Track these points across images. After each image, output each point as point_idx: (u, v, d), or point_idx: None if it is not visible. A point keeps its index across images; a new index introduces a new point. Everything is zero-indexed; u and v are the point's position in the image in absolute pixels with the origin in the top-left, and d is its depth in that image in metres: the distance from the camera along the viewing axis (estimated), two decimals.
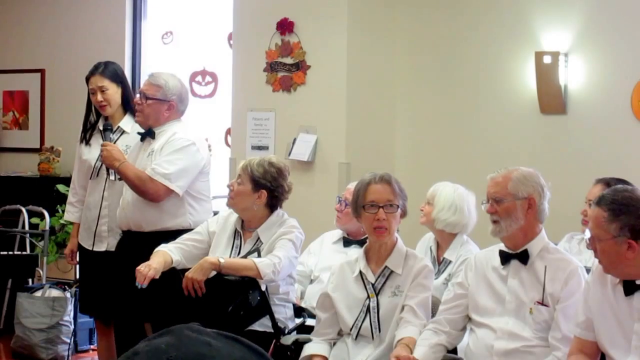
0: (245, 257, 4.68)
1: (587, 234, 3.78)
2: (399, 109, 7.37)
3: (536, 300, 4.02)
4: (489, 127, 6.99)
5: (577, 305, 3.90)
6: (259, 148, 7.32)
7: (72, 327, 7.04)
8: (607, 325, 3.71)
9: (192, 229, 5.13)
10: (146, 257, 4.77)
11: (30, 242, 7.99)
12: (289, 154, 7.11)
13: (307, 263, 5.50)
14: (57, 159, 8.65)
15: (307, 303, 5.22)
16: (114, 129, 5.57)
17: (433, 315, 4.32)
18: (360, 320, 4.36)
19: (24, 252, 7.89)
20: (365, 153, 7.12)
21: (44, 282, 7.50)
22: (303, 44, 7.21)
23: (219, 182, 7.49)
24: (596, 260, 3.79)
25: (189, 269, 4.65)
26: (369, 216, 4.36)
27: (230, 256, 4.78)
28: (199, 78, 8.40)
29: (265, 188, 4.81)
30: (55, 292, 7.13)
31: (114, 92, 5.60)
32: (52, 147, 8.71)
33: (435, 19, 7.22)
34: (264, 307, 4.64)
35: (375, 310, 4.33)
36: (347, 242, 5.45)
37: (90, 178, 5.60)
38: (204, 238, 4.95)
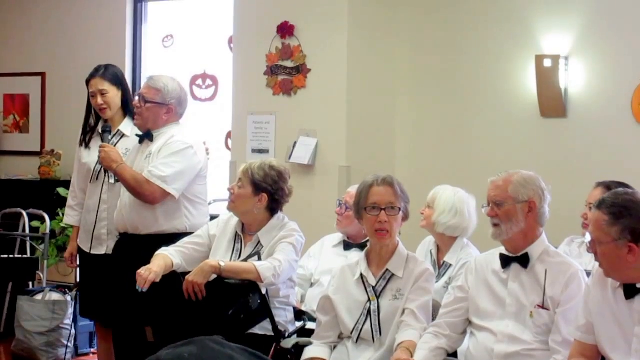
0: (245, 260, 4.68)
1: (588, 238, 3.78)
2: (399, 112, 7.37)
3: (536, 304, 4.02)
4: (489, 130, 6.99)
5: (577, 308, 3.90)
6: (260, 151, 7.32)
7: (72, 330, 7.04)
8: (608, 328, 3.71)
9: (188, 232, 5.14)
10: (143, 260, 4.77)
11: (31, 246, 7.99)
12: (289, 158, 7.12)
13: (307, 266, 5.51)
14: (58, 162, 8.65)
15: (308, 306, 5.23)
16: (114, 132, 5.58)
17: (433, 318, 4.32)
18: (361, 323, 4.36)
19: (25, 256, 7.90)
20: (365, 156, 7.12)
21: (44, 285, 7.51)
22: (303, 47, 7.21)
23: (219, 186, 7.50)
24: (597, 264, 3.78)
25: (189, 272, 4.65)
26: (371, 218, 4.36)
27: (230, 259, 4.78)
28: (199, 81, 8.41)
29: (266, 191, 4.81)
30: (55, 296, 7.13)
31: (114, 95, 5.61)
32: (52, 151, 8.72)
33: (436, 23, 7.22)
34: (265, 311, 4.64)
35: (376, 314, 4.33)
36: (347, 245, 5.45)
37: (90, 181, 5.60)
38: (205, 241, 4.95)
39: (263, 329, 4.69)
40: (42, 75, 9.01)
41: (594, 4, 6.59)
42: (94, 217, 5.54)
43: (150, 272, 4.64)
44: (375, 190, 4.38)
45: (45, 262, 7.71)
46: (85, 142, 5.71)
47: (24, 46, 9.12)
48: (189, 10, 8.52)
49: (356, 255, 4.81)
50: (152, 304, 4.84)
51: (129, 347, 5.40)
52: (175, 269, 4.80)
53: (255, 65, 7.38)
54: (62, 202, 7.10)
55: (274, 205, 4.86)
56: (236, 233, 4.90)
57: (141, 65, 8.63)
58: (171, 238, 5.08)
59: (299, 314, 4.97)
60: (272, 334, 4.66)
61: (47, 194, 8.15)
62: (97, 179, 5.55)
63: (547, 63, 6.58)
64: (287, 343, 4.62)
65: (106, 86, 5.59)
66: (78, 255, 5.79)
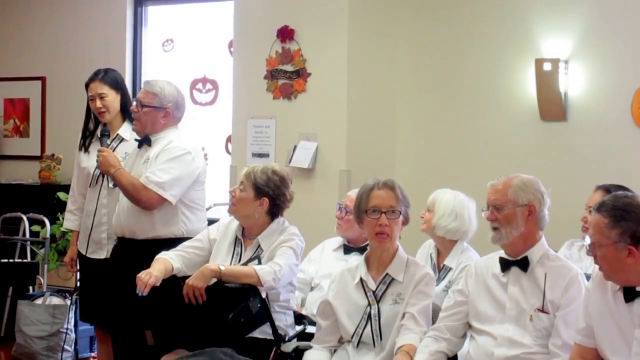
0: (245, 264, 4.68)
1: (588, 240, 3.78)
2: (400, 116, 7.38)
3: (536, 307, 4.02)
4: (489, 134, 7.00)
5: (577, 312, 3.90)
6: (260, 155, 7.33)
7: (72, 334, 7.04)
8: (608, 331, 3.71)
9: (185, 238, 5.14)
10: (140, 265, 4.77)
11: (31, 250, 8.00)
12: (290, 161, 7.12)
13: (307, 270, 5.51)
14: (58, 166, 8.66)
15: (308, 310, 5.22)
16: (113, 136, 5.58)
17: (433, 322, 4.32)
18: (362, 327, 4.35)
19: (25, 260, 7.90)
20: (365, 160, 7.13)
21: (44, 289, 7.51)
22: (303, 51, 7.22)
23: (220, 190, 7.51)
24: (596, 267, 3.79)
25: (189, 276, 4.65)
26: (371, 221, 4.36)
27: (230, 263, 4.78)
28: (199, 85, 8.42)
29: (268, 196, 4.81)
30: (55, 300, 7.13)
31: (113, 99, 5.61)
32: (52, 155, 8.72)
33: (436, 26, 7.23)
34: (265, 315, 4.63)
35: (377, 318, 4.33)
36: (347, 249, 5.45)
37: (90, 186, 5.60)
38: (205, 245, 4.95)
39: (263, 332, 4.69)
40: (42, 79, 9.02)
41: (594, 8, 6.59)
42: (95, 221, 5.54)
43: (151, 276, 4.63)
44: (376, 194, 4.38)
45: (46, 266, 7.72)
46: (84, 146, 5.72)
47: (24, 51, 9.13)
48: (189, 15, 8.53)
49: (356, 259, 4.81)
50: (152, 308, 4.84)
51: (129, 351, 5.40)
52: (176, 273, 4.80)
53: (255, 69, 7.39)
54: (62, 206, 7.10)
55: (275, 209, 4.86)
56: (236, 237, 4.90)
57: (141, 69, 8.64)
58: (168, 243, 5.08)
59: (299, 318, 4.97)
60: (272, 338, 4.66)
61: (48, 198, 8.15)
62: (96, 183, 5.55)
63: (547, 67, 6.59)
64: (287, 347, 4.62)
65: (105, 90, 5.59)
66: (78, 260, 5.79)
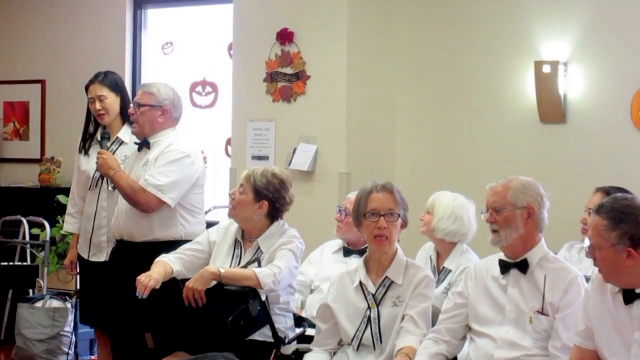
0: (245, 266, 4.68)
1: (587, 243, 3.78)
2: (399, 118, 7.38)
3: (536, 310, 4.02)
4: (488, 136, 7.00)
5: (576, 314, 3.90)
6: (259, 158, 7.33)
7: (72, 337, 7.04)
8: (607, 334, 3.71)
9: (184, 241, 5.14)
10: (138, 268, 4.77)
11: (31, 253, 8.00)
12: (289, 164, 7.12)
13: (307, 273, 5.51)
14: (58, 169, 8.66)
15: (308, 313, 5.22)
16: (113, 139, 5.58)
17: (433, 324, 4.32)
18: (361, 330, 4.35)
19: (25, 263, 7.91)
20: (365, 163, 7.13)
21: (44, 292, 7.51)
22: (303, 54, 7.22)
23: (219, 192, 7.51)
24: (596, 269, 3.78)
25: (189, 278, 4.66)
26: (370, 224, 4.36)
27: (230, 266, 4.78)
28: (199, 88, 8.42)
29: (267, 199, 4.81)
30: (55, 303, 7.13)
31: (112, 101, 5.62)
32: (52, 158, 8.72)
33: (435, 29, 7.23)
34: (264, 317, 4.64)
35: (376, 321, 4.33)
36: (347, 251, 5.46)
37: (89, 188, 5.61)
38: (205, 248, 4.95)
39: (263, 335, 4.69)
40: (42, 82, 9.02)
41: (593, 10, 6.59)
42: (93, 224, 5.54)
43: (150, 278, 4.64)
44: (375, 197, 4.38)
45: (46, 269, 7.72)
46: (84, 149, 5.72)
47: (23, 54, 9.13)
48: (188, 17, 8.53)
49: (356, 262, 4.81)
50: (152, 311, 4.84)
51: (129, 354, 5.41)
52: (175, 276, 4.80)
53: (254, 72, 7.39)
54: (62, 209, 7.10)
55: (275, 212, 4.86)
56: (236, 239, 4.90)
57: (141, 72, 8.64)
58: (166, 246, 5.08)
59: (299, 320, 4.97)
60: (272, 341, 4.66)
61: (47, 201, 8.15)
62: (96, 186, 5.56)
63: (546, 69, 6.59)
64: (287, 349, 4.62)
65: (105, 92, 5.60)
66: (78, 263, 5.79)
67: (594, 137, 6.60)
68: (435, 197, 5.30)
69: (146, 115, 5.33)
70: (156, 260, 4.82)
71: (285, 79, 7.28)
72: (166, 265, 4.79)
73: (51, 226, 7.90)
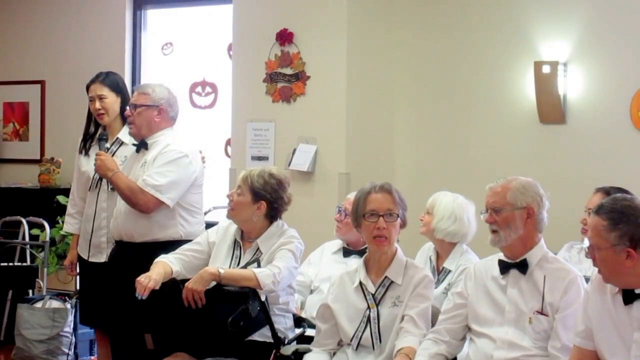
0: (244, 267, 4.68)
1: (586, 243, 3.78)
2: (399, 119, 7.38)
3: (535, 310, 4.02)
4: (488, 136, 7.00)
5: (576, 314, 3.90)
6: (259, 158, 7.33)
7: (72, 338, 7.04)
8: (607, 334, 3.71)
9: (183, 241, 5.14)
10: (138, 268, 4.77)
11: (31, 254, 8.00)
12: (289, 165, 7.12)
13: (307, 273, 5.51)
14: (58, 170, 8.66)
15: (307, 313, 5.23)
16: (113, 140, 5.59)
17: (433, 324, 4.32)
18: (361, 330, 4.35)
19: (25, 264, 7.90)
20: (364, 163, 7.13)
21: (44, 293, 7.51)
22: (303, 54, 7.22)
23: (219, 193, 7.50)
24: (595, 270, 3.78)
25: (189, 279, 4.65)
26: (369, 225, 4.36)
27: (230, 266, 4.78)
28: (198, 89, 8.42)
29: (265, 199, 4.81)
30: (55, 303, 7.13)
31: (112, 101, 5.62)
32: (52, 158, 8.72)
33: (434, 29, 7.24)
34: (264, 318, 4.64)
35: (376, 321, 4.33)
36: (347, 252, 5.46)
37: (89, 189, 5.61)
38: (204, 249, 4.95)
39: (263, 335, 4.69)
40: (42, 83, 9.02)
41: (593, 11, 6.59)
42: (93, 225, 5.54)
43: (150, 279, 4.64)
44: (374, 197, 4.38)
45: (45, 269, 7.72)
46: (84, 149, 5.72)
47: (23, 54, 9.13)
48: (188, 18, 8.53)
49: (356, 262, 4.81)
50: (151, 312, 4.84)
51: (128, 355, 5.40)
52: (175, 277, 4.80)
53: (254, 72, 7.40)
54: (62, 209, 7.11)
55: (273, 213, 4.86)
56: (235, 240, 4.90)
57: (140, 72, 8.64)
58: (165, 246, 5.09)
59: (299, 321, 4.97)
60: (272, 341, 4.66)
61: (47, 201, 8.15)
62: (96, 186, 5.56)
63: (546, 69, 6.59)
64: (287, 350, 4.62)
65: (105, 92, 5.61)
66: (78, 263, 5.79)
67: (593, 137, 6.60)
68: (435, 198, 5.30)
69: (143, 116, 5.33)
70: (155, 260, 4.82)
71: (285, 79, 7.28)
72: (166, 265, 4.79)
73: (51, 227, 7.90)
